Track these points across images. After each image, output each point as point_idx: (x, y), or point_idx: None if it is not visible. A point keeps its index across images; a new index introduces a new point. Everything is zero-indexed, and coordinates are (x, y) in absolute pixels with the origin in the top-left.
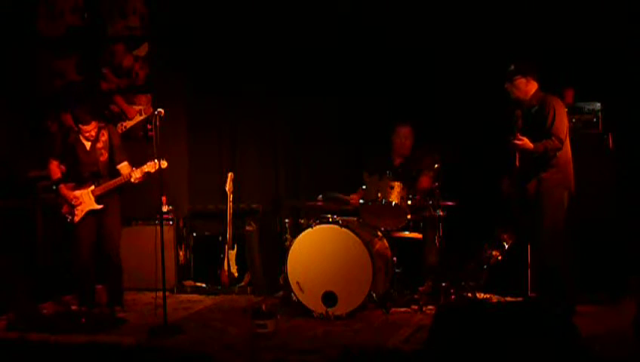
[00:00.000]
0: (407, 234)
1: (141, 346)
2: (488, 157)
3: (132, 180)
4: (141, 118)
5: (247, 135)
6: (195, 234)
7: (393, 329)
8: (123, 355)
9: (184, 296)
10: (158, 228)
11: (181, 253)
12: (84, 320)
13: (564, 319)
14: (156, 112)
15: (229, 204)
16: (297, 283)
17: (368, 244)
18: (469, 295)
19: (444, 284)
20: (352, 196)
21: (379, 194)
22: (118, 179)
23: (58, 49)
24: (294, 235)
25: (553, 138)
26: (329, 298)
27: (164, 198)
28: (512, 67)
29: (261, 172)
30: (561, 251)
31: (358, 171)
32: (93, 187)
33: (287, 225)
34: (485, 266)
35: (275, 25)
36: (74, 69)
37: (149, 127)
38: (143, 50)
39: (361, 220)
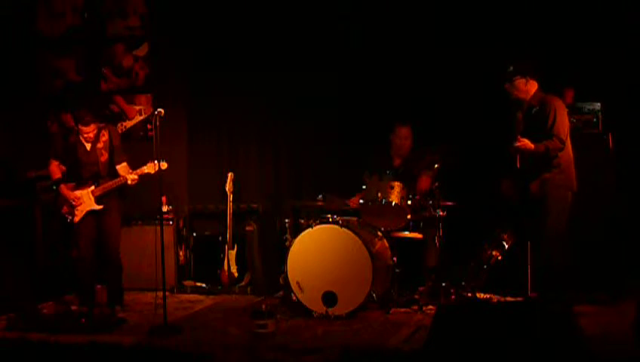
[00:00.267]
0: (407, 234)
1: (141, 346)
2: (488, 157)
3: (128, 182)
4: (141, 118)
5: (247, 135)
6: (195, 234)
7: (393, 329)
8: (123, 355)
9: (184, 296)
10: (158, 228)
11: (181, 253)
12: (84, 320)
13: (567, 318)
14: (156, 112)
15: (229, 204)
16: (297, 283)
17: (368, 244)
18: (469, 295)
19: (444, 284)
20: (351, 200)
21: (379, 195)
22: (118, 179)
23: (58, 49)
24: (294, 235)
25: (554, 138)
26: (329, 298)
27: (164, 198)
28: (511, 68)
29: (261, 172)
30: (563, 251)
31: (358, 171)
32: (93, 187)
33: (287, 225)
34: (485, 266)
35: (275, 25)
36: (74, 68)
37: (149, 127)
38: (143, 50)
39: (361, 220)
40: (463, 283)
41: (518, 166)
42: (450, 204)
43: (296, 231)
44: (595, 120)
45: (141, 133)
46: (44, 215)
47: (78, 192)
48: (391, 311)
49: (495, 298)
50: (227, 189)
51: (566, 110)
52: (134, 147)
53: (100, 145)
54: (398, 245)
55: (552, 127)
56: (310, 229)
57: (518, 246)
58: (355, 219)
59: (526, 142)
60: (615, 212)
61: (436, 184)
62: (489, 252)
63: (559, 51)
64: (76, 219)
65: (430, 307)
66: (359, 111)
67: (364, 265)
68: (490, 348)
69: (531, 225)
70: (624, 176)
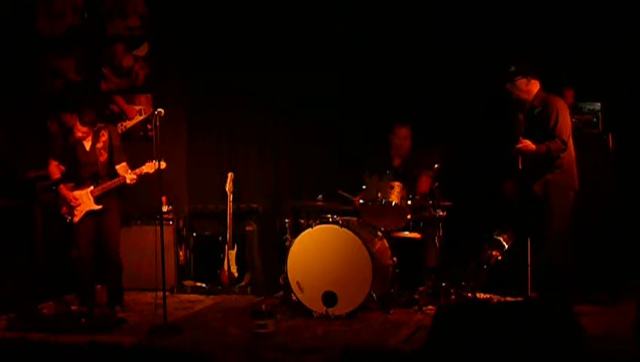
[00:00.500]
0: (407, 234)
1: (141, 346)
2: (488, 157)
3: (127, 181)
4: (141, 118)
5: (247, 135)
6: (195, 234)
7: (393, 329)
8: (123, 355)
9: (184, 296)
10: (158, 228)
11: (181, 253)
12: (84, 320)
13: (568, 318)
14: (156, 112)
15: (229, 204)
16: (297, 283)
17: (368, 244)
18: (469, 295)
19: (444, 284)
20: (357, 198)
21: (379, 195)
22: (117, 179)
23: (58, 49)
24: (294, 235)
25: (556, 139)
26: (329, 298)
27: (164, 198)
28: (513, 68)
29: (261, 172)
30: (566, 251)
31: (358, 171)
32: (92, 187)
33: (287, 225)
34: (485, 266)
35: (275, 25)
36: (74, 68)
37: (149, 127)
38: (143, 50)
39: (361, 220)
40: (463, 283)
41: (520, 167)
42: (450, 204)
43: (296, 231)
44: (595, 120)
45: (141, 133)
46: (44, 215)
47: (77, 192)
48: (391, 311)
49: (495, 298)
50: (227, 189)
51: (568, 110)
52: (134, 147)
53: (99, 145)
54: (398, 245)
55: (554, 128)
56: (310, 229)
57: (518, 246)
58: (355, 219)
59: (527, 144)
60: (615, 212)
61: (436, 184)
62: (489, 252)
63: (559, 51)
64: (75, 219)
65: (430, 307)
66: (359, 112)
67: (364, 265)
68: (491, 348)
69: (533, 226)
70: (624, 176)
